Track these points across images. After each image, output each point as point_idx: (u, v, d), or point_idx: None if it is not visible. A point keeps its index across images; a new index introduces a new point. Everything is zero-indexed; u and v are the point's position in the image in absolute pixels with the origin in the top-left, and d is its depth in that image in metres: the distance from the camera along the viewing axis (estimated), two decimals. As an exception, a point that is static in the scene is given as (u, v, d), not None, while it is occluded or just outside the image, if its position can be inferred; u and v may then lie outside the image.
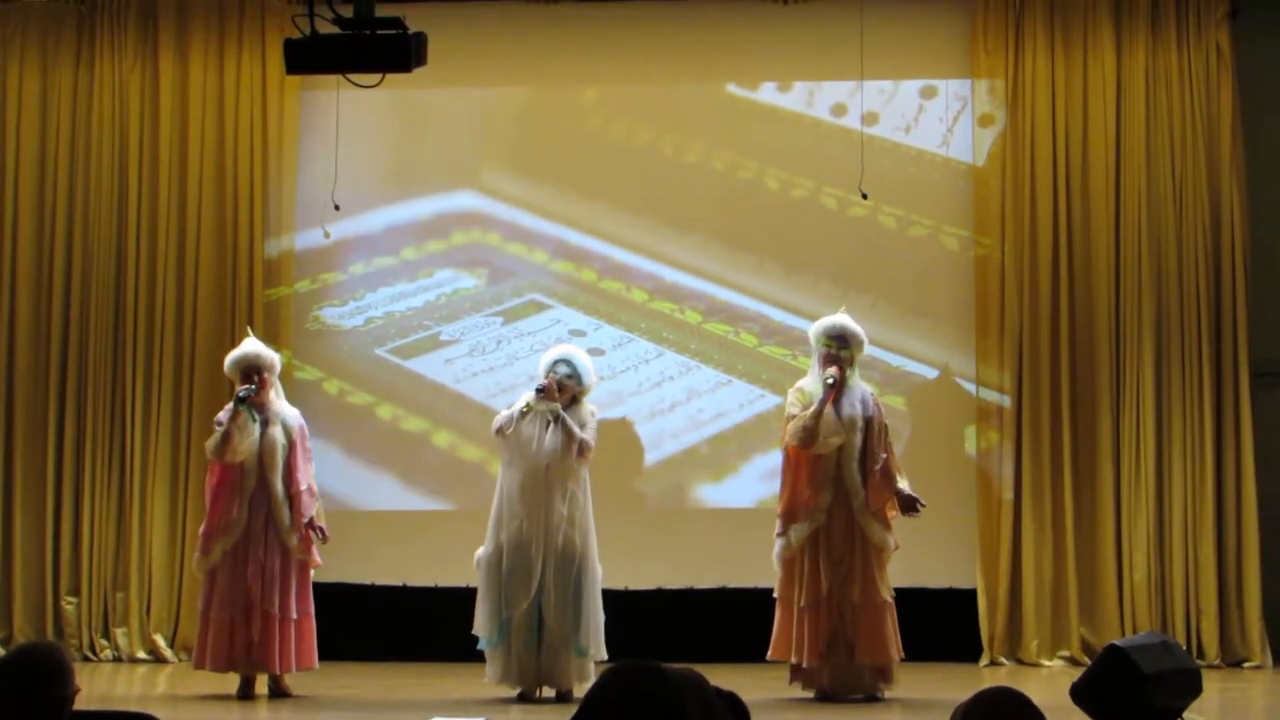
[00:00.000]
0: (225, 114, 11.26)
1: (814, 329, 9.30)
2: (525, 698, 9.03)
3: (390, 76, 8.40)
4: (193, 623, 10.77)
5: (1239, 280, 10.84)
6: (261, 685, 9.30)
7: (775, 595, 9.14)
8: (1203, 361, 10.81)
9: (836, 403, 9.06)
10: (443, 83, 11.07)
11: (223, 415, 9.33)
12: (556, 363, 9.18)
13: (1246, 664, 10.64)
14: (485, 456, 11.04)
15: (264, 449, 9.24)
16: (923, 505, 9.05)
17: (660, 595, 10.91)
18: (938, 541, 10.46)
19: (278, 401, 9.41)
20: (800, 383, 9.25)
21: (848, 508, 9.02)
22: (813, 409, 9.02)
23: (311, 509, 9.28)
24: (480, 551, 9.12)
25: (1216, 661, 10.54)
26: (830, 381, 9.04)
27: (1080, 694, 4.21)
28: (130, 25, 11.27)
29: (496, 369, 11.21)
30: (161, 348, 11.12)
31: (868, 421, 9.10)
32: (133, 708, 9.41)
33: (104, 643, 10.98)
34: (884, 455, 9.09)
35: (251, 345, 9.48)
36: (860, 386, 9.21)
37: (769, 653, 9.13)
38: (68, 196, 11.25)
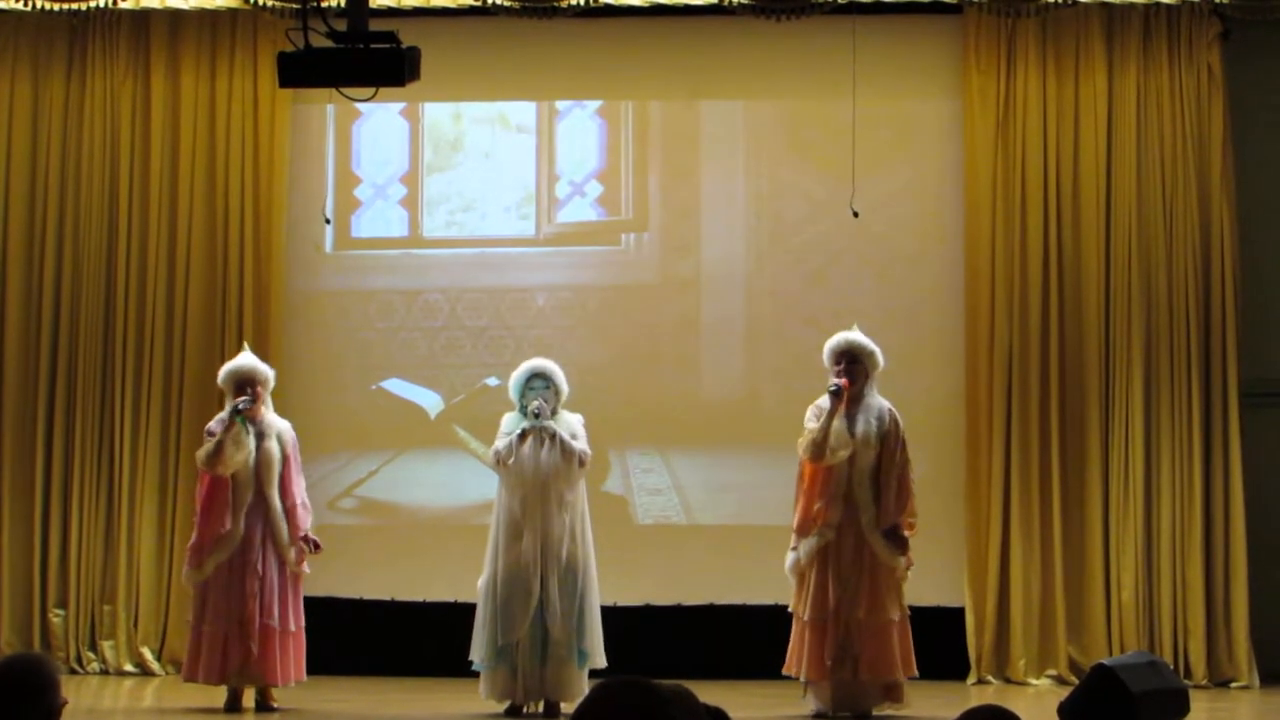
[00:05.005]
0: (216, 127, 11.24)
1: (824, 349, 9.31)
2: (514, 712, 9.06)
3: (383, 90, 8.39)
4: (181, 636, 10.78)
5: (1228, 300, 10.86)
6: (249, 699, 9.31)
7: (790, 610, 9.17)
8: (1192, 381, 10.81)
9: (851, 416, 9.07)
10: (436, 97, 11.08)
11: (214, 425, 9.35)
12: (531, 378, 9.26)
13: (1234, 684, 10.64)
14: (474, 470, 11.03)
15: (260, 462, 9.27)
16: (910, 531, 9.09)
17: (649, 611, 10.90)
18: (926, 559, 10.39)
19: (270, 414, 9.44)
20: (819, 400, 9.24)
21: (857, 524, 9.03)
22: (821, 421, 9.04)
23: (307, 522, 9.34)
24: (480, 579, 9.19)
25: (1204, 681, 10.54)
26: (833, 389, 9.06)
27: (1068, 713, 4.22)
28: (122, 37, 11.26)
29: (486, 391, 11.21)
30: (151, 360, 11.10)
31: (883, 438, 9.10)
32: (120, 720, 9.44)
33: (91, 655, 10.95)
34: (897, 473, 9.08)
35: (247, 358, 9.53)
36: (878, 402, 9.19)
37: (784, 667, 9.16)
38: (58, 209, 11.22)
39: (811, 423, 9.10)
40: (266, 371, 9.51)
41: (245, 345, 9.85)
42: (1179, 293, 10.88)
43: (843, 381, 9.11)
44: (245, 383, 9.39)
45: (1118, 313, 10.90)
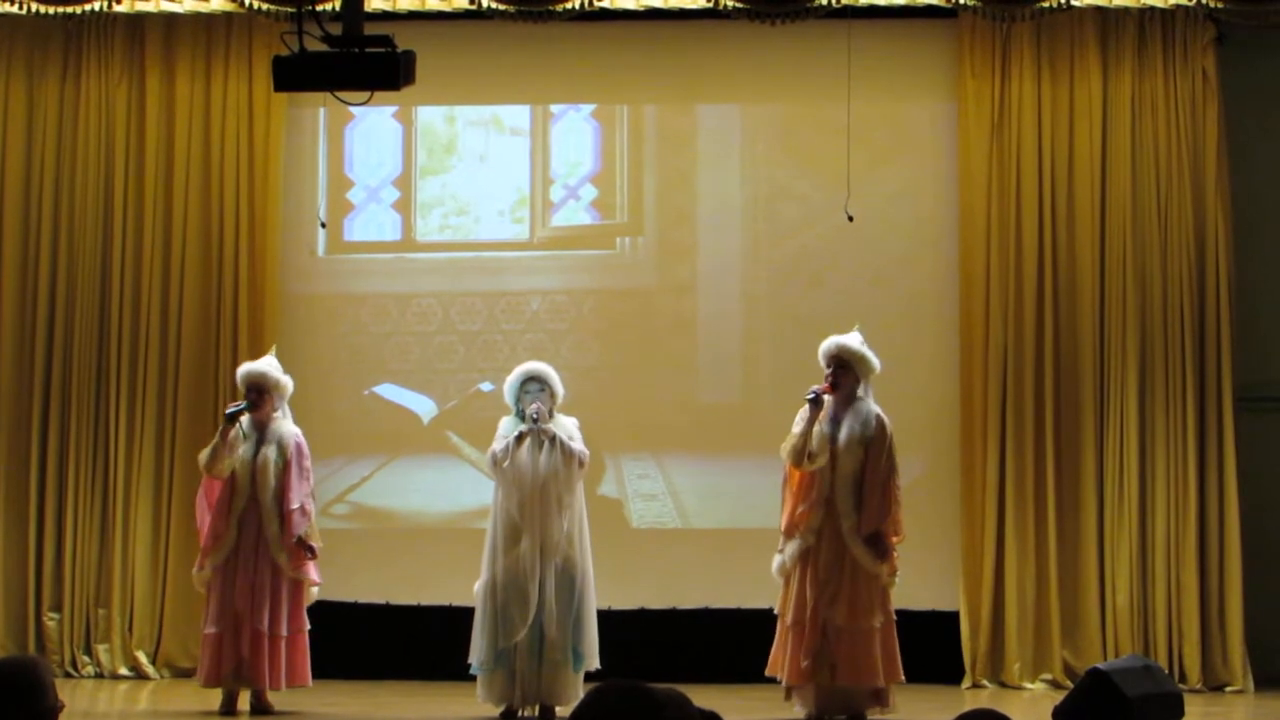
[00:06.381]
0: (211, 130, 11.23)
1: (819, 350, 9.31)
2: (509, 715, 9.07)
3: (378, 94, 8.40)
4: (175, 639, 10.83)
5: (1223, 304, 10.86)
6: (244, 702, 9.32)
7: (776, 612, 9.19)
8: (1186, 385, 10.82)
9: (837, 421, 9.07)
10: (431, 100, 11.08)
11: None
12: (527, 382, 9.28)
13: (1228, 688, 10.64)
14: (468, 476, 11.03)
15: (256, 467, 9.32)
16: (897, 539, 9.10)
17: (644, 615, 10.90)
18: (920, 563, 10.43)
19: (282, 421, 9.47)
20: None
21: (837, 529, 9.01)
22: (802, 427, 9.04)
23: (302, 527, 9.33)
24: (478, 583, 9.20)
25: (1198, 685, 10.54)
26: (811, 396, 9.07)
27: (1063, 717, 4.22)
28: (117, 40, 11.25)
29: (480, 396, 11.19)
30: (146, 363, 11.09)
31: (867, 444, 9.08)
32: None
33: (86, 659, 10.94)
34: (881, 481, 9.05)
35: (261, 363, 9.60)
36: (868, 408, 9.15)
37: (766, 668, 9.17)
38: (53, 212, 11.22)
39: (798, 426, 9.11)
40: (276, 379, 9.53)
41: (273, 349, 9.91)
42: (1174, 296, 10.88)
43: (822, 387, 9.11)
44: (251, 387, 9.44)
45: (1112, 316, 10.90)
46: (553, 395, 9.31)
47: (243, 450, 9.36)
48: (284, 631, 9.29)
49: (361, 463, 11.35)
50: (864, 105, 10.97)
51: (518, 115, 11.52)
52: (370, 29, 8.40)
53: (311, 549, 9.36)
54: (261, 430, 9.42)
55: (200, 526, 9.53)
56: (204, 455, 9.39)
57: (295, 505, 9.33)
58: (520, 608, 8.99)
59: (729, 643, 10.61)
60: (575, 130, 11.54)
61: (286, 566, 9.31)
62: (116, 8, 10.74)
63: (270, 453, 9.35)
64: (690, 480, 11.27)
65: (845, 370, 9.15)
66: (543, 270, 11.43)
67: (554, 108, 11.48)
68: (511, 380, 9.38)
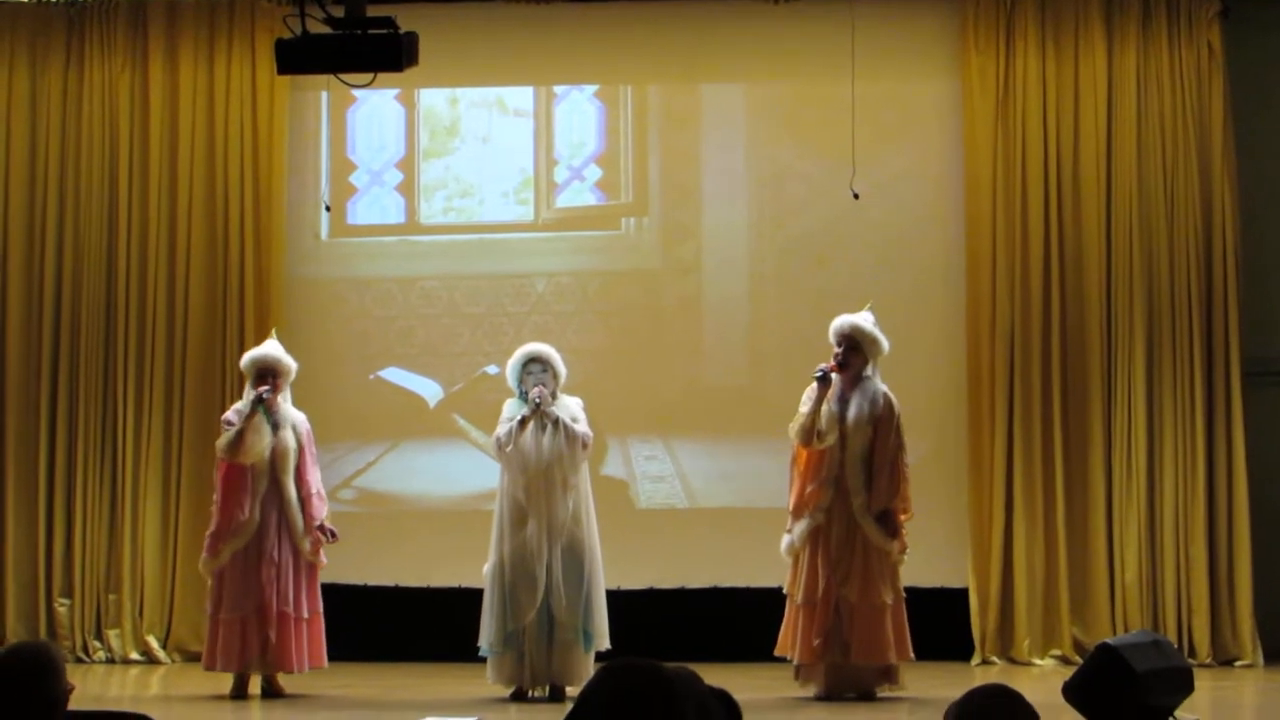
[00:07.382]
0: (215, 115, 11.23)
1: (830, 327, 9.31)
2: (519, 696, 9.09)
3: (381, 76, 8.39)
4: (186, 624, 10.84)
5: (1230, 279, 10.85)
6: (255, 685, 9.34)
7: (785, 591, 9.19)
8: (1194, 360, 10.81)
9: (845, 400, 9.07)
10: (434, 82, 11.07)
11: (231, 414, 9.39)
12: (528, 363, 9.27)
13: (1238, 662, 10.64)
14: (475, 460, 11.04)
15: (276, 452, 9.31)
16: (905, 517, 9.11)
17: (653, 595, 10.91)
18: (929, 541, 10.43)
19: (286, 405, 9.45)
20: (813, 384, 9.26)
21: (848, 508, 9.02)
22: (810, 406, 9.04)
23: (323, 512, 9.38)
24: (486, 565, 9.21)
25: (1208, 660, 10.55)
26: (819, 375, 9.07)
27: (1073, 692, 4.23)
28: (119, 26, 11.25)
29: (486, 379, 11.19)
30: (153, 348, 11.10)
31: (876, 422, 9.08)
32: (126, 708, 9.43)
33: (97, 644, 10.96)
34: (890, 459, 9.06)
35: (270, 347, 9.56)
36: (875, 387, 9.17)
37: (776, 648, 9.19)
38: (58, 199, 11.22)
39: (806, 405, 9.11)
40: (289, 363, 9.53)
41: (273, 333, 9.89)
42: (1180, 271, 10.87)
43: (829, 366, 9.12)
44: (266, 371, 9.41)
45: (1119, 292, 10.89)
46: (555, 376, 9.30)
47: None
48: (305, 614, 9.33)
49: (368, 447, 11.36)
50: (868, 83, 10.94)
51: (521, 96, 11.51)
52: (372, 11, 8.40)
53: (333, 533, 9.39)
54: (274, 415, 9.41)
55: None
56: (224, 442, 9.28)
57: (314, 490, 9.37)
58: (528, 590, 9.01)
59: (737, 621, 10.62)
60: (579, 111, 11.52)
61: (307, 551, 9.33)
62: (118, -7, 10.75)
63: (288, 438, 9.36)
64: (697, 461, 11.27)
65: (855, 350, 9.16)
66: (548, 252, 11.42)
67: (557, 88, 11.47)
68: (513, 362, 9.38)
